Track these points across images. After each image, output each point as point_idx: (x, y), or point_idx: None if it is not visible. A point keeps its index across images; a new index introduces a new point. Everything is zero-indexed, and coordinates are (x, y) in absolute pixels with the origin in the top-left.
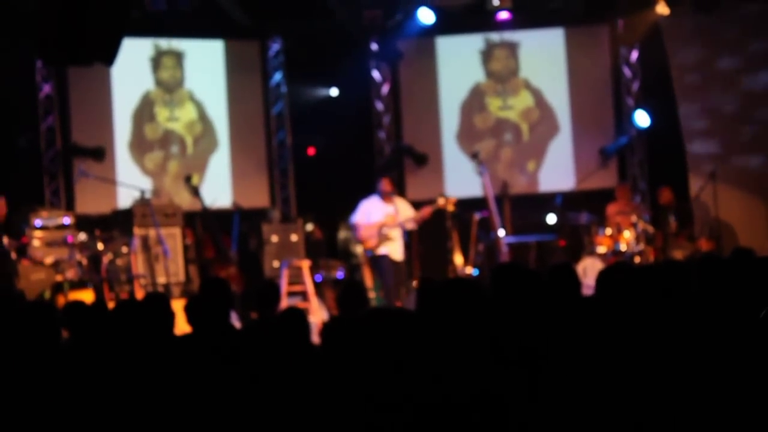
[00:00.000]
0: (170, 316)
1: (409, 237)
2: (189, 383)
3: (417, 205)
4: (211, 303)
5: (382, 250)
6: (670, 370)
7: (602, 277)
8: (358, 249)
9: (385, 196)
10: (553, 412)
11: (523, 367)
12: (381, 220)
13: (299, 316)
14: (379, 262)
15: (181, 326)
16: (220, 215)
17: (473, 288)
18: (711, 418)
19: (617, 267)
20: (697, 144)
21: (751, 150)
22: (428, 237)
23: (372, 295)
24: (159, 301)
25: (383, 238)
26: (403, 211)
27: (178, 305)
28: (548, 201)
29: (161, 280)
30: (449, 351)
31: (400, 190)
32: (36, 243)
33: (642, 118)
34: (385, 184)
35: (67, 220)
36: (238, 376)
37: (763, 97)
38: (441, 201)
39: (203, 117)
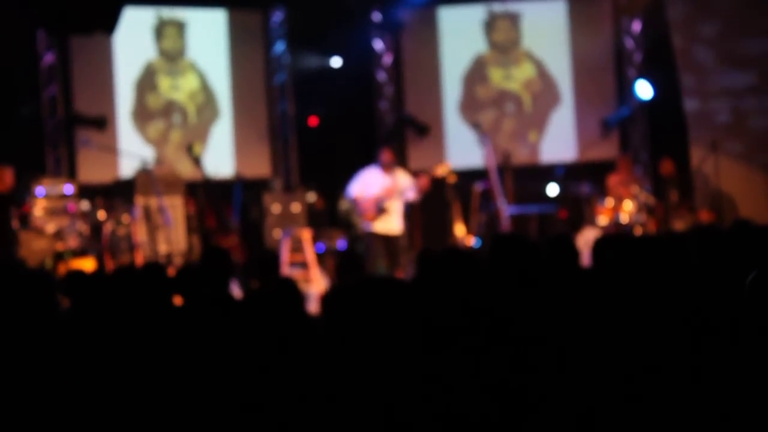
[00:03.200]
0: (167, 285)
1: (410, 207)
2: (185, 353)
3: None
4: (211, 272)
5: (374, 227)
6: (667, 340)
7: (596, 247)
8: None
9: (386, 167)
10: (547, 384)
11: (519, 338)
12: (378, 194)
13: (290, 286)
14: (364, 239)
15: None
16: (222, 185)
17: (470, 258)
18: (708, 390)
19: (611, 237)
20: (699, 115)
21: (752, 122)
22: (430, 207)
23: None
24: (156, 270)
25: (381, 211)
26: (402, 183)
27: None
28: (549, 172)
29: (163, 249)
30: (444, 321)
31: (401, 160)
32: (38, 212)
33: (644, 89)
34: (385, 155)
35: (69, 189)
36: (233, 345)
37: (764, 69)
38: (439, 170)
39: (205, 86)
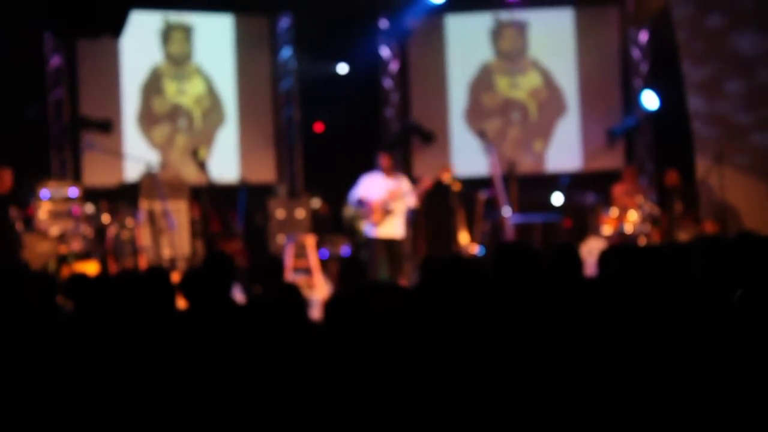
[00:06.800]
0: (170, 289)
1: (414, 214)
2: (188, 358)
3: None
4: (213, 277)
5: (376, 232)
6: (670, 352)
7: (603, 258)
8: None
9: (386, 171)
10: (548, 393)
11: (521, 346)
12: (383, 196)
13: (293, 292)
14: (368, 245)
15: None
16: (227, 190)
17: (473, 266)
18: (709, 401)
19: (619, 248)
20: (705, 126)
21: (758, 133)
22: (434, 215)
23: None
24: (160, 274)
25: (387, 213)
26: (404, 188)
27: None
28: (554, 181)
29: (166, 253)
30: (446, 329)
31: (406, 167)
32: (42, 214)
33: (650, 100)
34: (383, 160)
35: (73, 192)
36: (235, 350)
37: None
38: (443, 175)
39: (211, 91)
